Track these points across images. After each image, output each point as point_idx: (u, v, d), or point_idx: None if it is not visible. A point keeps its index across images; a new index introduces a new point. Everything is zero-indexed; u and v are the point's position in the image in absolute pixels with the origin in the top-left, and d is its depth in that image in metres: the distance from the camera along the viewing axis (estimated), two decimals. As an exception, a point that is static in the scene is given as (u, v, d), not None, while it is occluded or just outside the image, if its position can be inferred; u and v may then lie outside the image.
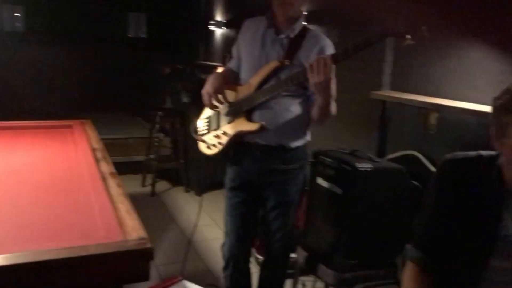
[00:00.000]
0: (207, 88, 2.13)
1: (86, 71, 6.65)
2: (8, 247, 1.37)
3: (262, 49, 2.05)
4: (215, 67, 2.27)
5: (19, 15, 6.31)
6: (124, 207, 1.69)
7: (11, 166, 2.30)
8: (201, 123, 2.38)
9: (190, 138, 4.65)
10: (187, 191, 4.63)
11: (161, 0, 6.93)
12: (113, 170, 2.16)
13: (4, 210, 1.72)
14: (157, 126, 4.60)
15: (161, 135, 4.75)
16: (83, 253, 1.32)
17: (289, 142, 2.06)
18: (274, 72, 2.00)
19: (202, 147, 2.32)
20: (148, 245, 1.39)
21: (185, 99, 4.47)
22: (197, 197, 4.43)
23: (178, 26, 6.86)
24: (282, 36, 2.03)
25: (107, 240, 1.42)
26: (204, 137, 2.31)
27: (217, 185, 4.16)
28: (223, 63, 4.54)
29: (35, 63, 6.35)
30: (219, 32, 5.72)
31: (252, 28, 2.13)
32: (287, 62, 1.97)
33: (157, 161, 4.57)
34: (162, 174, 4.77)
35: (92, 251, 1.34)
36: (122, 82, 6.82)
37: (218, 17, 5.69)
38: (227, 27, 5.49)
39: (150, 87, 6.82)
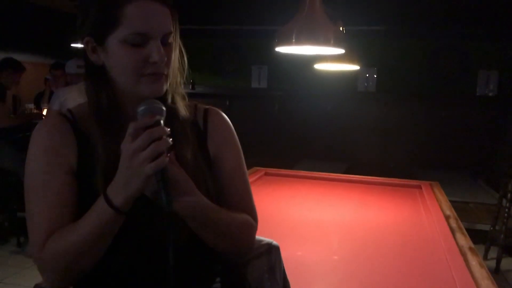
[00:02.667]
0: None
1: (429, 129, 6.61)
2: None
3: None
4: None
5: (374, 76, 6.86)
6: (494, 296, 1.46)
7: (363, 222, 2.39)
8: None
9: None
10: (540, 277, 3.88)
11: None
12: (472, 245, 1.95)
13: (361, 270, 1.76)
14: (509, 195, 4.06)
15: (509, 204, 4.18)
16: None
17: None
18: None
19: None
20: None
21: (548, 168, 3.81)
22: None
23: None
24: None
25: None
26: None
27: None
28: None
29: (383, 119, 6.73)
30: None
31: None
32: None
33: (505, 234, 4.02)
34: (510, 250, 4.17)
35: None
36: (466, 142, 6.46)
37: None
38: None
39: (497, 149, 6.21)
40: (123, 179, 0.84)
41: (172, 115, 0.98)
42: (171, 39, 0.94)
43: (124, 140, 0.84)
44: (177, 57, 1.00)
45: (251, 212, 1.05)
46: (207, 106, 1.10)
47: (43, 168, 0.94)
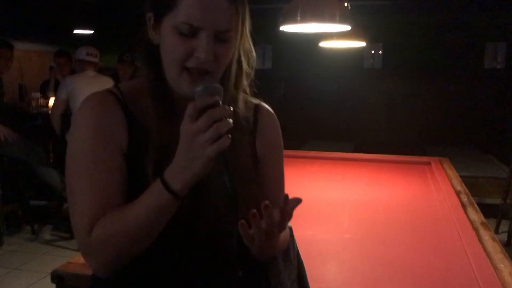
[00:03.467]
0: None
1: (437, 104, 6.56)
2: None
3: None
4: None
5: (380, 52, 6.79)
6: (507, 270, 1.46)
7: (373, 200, 2.39)
8: None
9: None
10: (551, 249, 3.88)
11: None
12: (484, 220, 1.95)
13: (373, 248, 1.77)
14: (519, 168, 4.04)
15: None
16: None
17: None
18: None
19: None
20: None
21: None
22: None
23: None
24: None
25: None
26: None
27: None
28: None
29: (390, 96, 6.69)
30: None
31: None
32: None
33: (516, 208, 4.00)
34: (520, 223, 4.16)
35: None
36: (474, 116, 6.41)
37: None
38: None
39: (505, 123, 6.16)
40: (182, 162, 0.80)
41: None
42: (229, 36, 0.87)
43: (184, 122, 0.80)
44: (234, 54, 0.93)
45: None
46: (256, 101, 1.05)
47: (92, 147, 0.89)
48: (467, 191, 2.41)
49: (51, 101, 4.65)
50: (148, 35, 0.92)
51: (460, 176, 2.79)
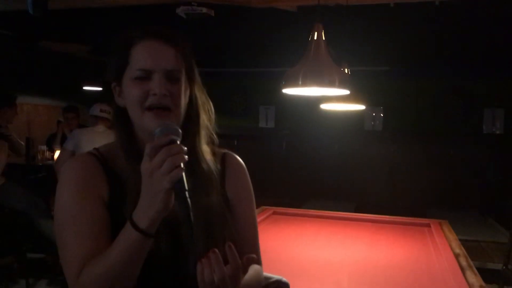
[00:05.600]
0: None
1: (437, 168, 6.61)
2: None
3: None
4: None
5: (381, 115, 6.93)
6: (506, 335, 1.45)
7: (373, 260, 2.39)
8: None
9: None
10: (557, 317, 3.78)
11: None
12: (483, 284, 1.94)
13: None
14: (520, 233, 4.02)
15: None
16: None
17: None
18: None
19: None
20: None
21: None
22: None
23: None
24: None
25: None
26: None
27: None
28: None
29: (390, 158, 6.75)
30: None
31: None
32: None
33: (518, 274, 3.95)
34: (523, 290, 4.08)
35: None
36: (474, 179, 6.44)
37: None
38: None
39: (505, 187, 6.19)
40: (146, 200, 0.86)
41: (196, 157, 1.04)
42: (178, 76, 1.00)
43: (143, 161, 0.87)
44: (188, 97, 1.06)
45: (259, 258, 1.11)
46: (224, 150, 1.17)
47: (76, 200, 0.98)
48: (466, 254, 2.40)
49: (57, 154, 4.71)
50: (116, 101, 1.05)
51: (460, 240, 2.79)
